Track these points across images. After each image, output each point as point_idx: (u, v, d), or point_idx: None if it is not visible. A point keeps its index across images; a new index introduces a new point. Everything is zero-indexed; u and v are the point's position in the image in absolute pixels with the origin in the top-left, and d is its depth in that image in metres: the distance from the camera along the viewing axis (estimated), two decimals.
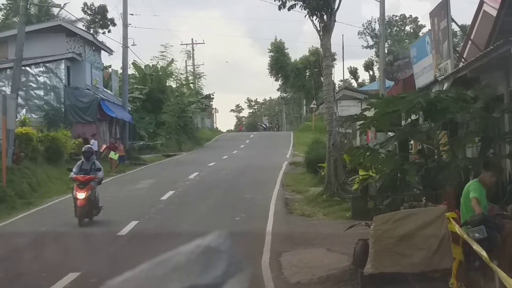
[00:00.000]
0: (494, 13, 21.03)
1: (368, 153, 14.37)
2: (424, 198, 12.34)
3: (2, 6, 60.36)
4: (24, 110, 36.69)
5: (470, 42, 22.95)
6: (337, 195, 22.49)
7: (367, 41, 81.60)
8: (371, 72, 78.53)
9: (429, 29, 23.06)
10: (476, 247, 7.77)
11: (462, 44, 26.01)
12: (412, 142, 20.93)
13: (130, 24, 45.85)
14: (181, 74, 67.61)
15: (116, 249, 14.44)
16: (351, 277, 10.82)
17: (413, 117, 13.68)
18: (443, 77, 17.76)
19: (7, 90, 31.87)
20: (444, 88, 15.64)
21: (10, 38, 35.72)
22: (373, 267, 9.41)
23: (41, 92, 39.15)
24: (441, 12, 19.68)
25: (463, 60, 19.37)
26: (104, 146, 36.37)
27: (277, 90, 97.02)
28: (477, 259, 8.08)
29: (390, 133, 15.38)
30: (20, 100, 33.15)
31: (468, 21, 27.27)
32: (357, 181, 19.22)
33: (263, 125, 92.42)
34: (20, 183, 24.78)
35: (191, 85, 70.33)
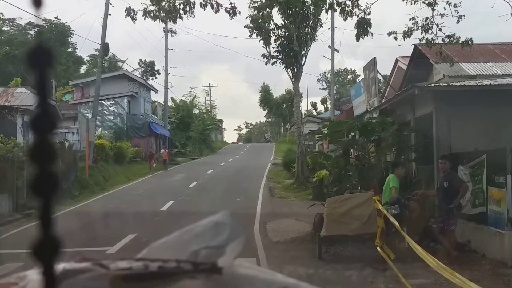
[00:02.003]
0: (404, 67, 21.19)
1: (323, 157, 14.40)
2: (359, 187, 12.33)
3: (86, 61, 60.35)
4: (100, 129, 36.43)
5: (389, 86, 23.05)
6: (303, 185, 22.49)
7: (323, 85, 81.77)
8: (325, 105, 78.31)
9: (362, 78, 23.12)
10: (392, 219, 7.79)
11: (384, 87, 26.11)
12: (352, 150, 20.95)
13: (169, 73, 46.31)
14: (202, 106, 67.38)
15: (159, 219, 14.40)
16: (312, 238, 10.83)
17: (352, 134, 13.69)
18: (371, 108, 17.82)
19: (89, 115, 31.82)
20: (372, 116, 15.67)
21: (91, 82, 35.79)
22: (326, 231, 9.40)
23: (111, 117, 39.03)
24: (371, 66, 19.75)
25: (384, 98, 19.44)
26: (164, 152, 35.83)
27: (264, 116, 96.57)
28: (393, 227, 8.08)
29: (337, 144, 15.31)
30: (97, 122, 33.03)
31: (388, 72, 27.35)
32: (316, 175, 19.19)
33: (266, 138, 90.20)
34: (97, 176, 24.70)
35: (208, 113, 70.16)
